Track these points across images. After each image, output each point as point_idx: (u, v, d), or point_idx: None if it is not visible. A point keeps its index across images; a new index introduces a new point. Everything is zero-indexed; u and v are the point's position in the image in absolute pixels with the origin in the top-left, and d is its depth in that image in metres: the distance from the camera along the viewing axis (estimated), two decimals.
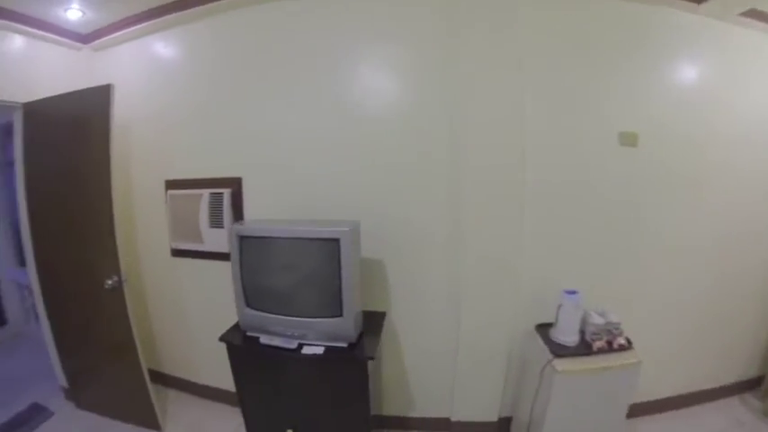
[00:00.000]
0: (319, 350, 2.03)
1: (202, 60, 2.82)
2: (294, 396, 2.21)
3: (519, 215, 2.30)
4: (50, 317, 3.25)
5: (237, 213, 2.75)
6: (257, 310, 2.20)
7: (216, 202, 2.73)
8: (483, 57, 2.18)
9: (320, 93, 2.45)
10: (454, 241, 2.39)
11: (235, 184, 2.72)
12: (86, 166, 2.67)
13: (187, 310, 3.25)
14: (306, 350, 2.05)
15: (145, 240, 3.30)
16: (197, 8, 2.65)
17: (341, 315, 2.00)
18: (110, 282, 2.69)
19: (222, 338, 2.29)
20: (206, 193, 2.76)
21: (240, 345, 2.24)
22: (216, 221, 2.75)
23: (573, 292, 2.13)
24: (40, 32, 2.88)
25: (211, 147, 2.84)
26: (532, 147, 2.25)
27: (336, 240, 1.92)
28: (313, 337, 2.09)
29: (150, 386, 2.91)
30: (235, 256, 2.20)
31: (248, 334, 2.26)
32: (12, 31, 2.77)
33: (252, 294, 2.22)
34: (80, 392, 3.35)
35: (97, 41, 3.15)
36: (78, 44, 3.14)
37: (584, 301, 2.14)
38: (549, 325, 2.26)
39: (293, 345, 2.08)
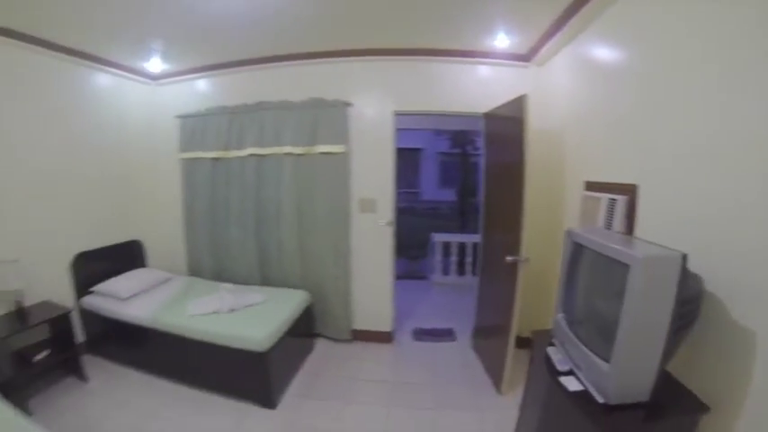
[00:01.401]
0: (574, 386, 1.68)
1: (626, 58, 2.55)
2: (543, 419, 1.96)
3: None
4: (481, 271, 4.20)
5: (629, 223, 2.38)
6: (564, 318, 2.04)
7: (610, 208, 2.52)
8: None
9: None
10: None
11: (630, 192, 2.36)
12: (512, 162, 3.22)
13: None
14: (564, 378, 1.74)
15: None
16: None
17: (608, 361, 1.54)
18: (509, 258, 3.19)
19: (534, 332, 2.30)
20: (605, 197, 2.59)
21: (535, 346, 2.14)
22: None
23: None
24: (491, 60, 3.94)
25: (618, 150, 2.61)
26: None
27: (626, 267, 1.47)
28: (585, 372, 1.72)
29: (510, 355, 3.27)
30: (564, 259, 2.09)
31: (552, 340, 2.11)
32: (476, 64, 4.02)
33: (565, 302, 2.07)
34: (476, 334, 4.22)
35: (535, 58, 3.74)
36: (524, 63, 3.90)
37: None
38: None
39: (565, 367, 1.82)
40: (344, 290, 4.31)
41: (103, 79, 4.29)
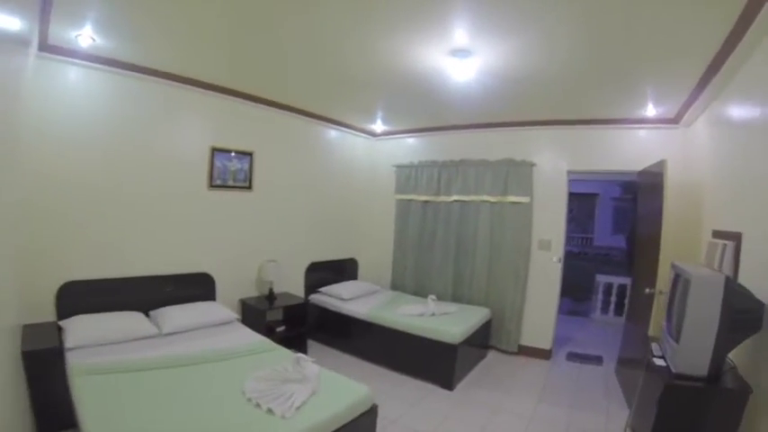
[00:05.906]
0: (660, 362, 2.51)
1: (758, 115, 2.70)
2: (642, 387, 2.82)
3: None
4: (628, 307, 5.14)
5: (735, 265, 2.73)
6: (666, 323, 2.81)
7: (721, 253, 2.92)
8: None
9: None
10: None
11: (736, 239, 2.74)
12: (655, 212, 3.96)
13: None
14: (655, 359, 2.62)
15: None
16: None
17: (678, 342, 2.32)
18: (647, 290, 3.95)
19: None
20: (720, 243, 3.02)
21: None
22: None
23: None
24: (644, 125, 4.78)
25: (731, 199, 3.13)
26: None
27: (689, 282, 2.28)
28: (668, 354, 2.52)
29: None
30: (669, 282, 2.89)
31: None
32: (632, 129, 4.91)
33: (668, 312, 2.80)
34: (620, 363, 5.01)
35: (682, 120, 4.31)
36: (673, 125, 4.53)
37: None
38: None
39: (658, 353, 2.64)
40: (519, 309, 5.45)
41: (334, 133, 6.33)
